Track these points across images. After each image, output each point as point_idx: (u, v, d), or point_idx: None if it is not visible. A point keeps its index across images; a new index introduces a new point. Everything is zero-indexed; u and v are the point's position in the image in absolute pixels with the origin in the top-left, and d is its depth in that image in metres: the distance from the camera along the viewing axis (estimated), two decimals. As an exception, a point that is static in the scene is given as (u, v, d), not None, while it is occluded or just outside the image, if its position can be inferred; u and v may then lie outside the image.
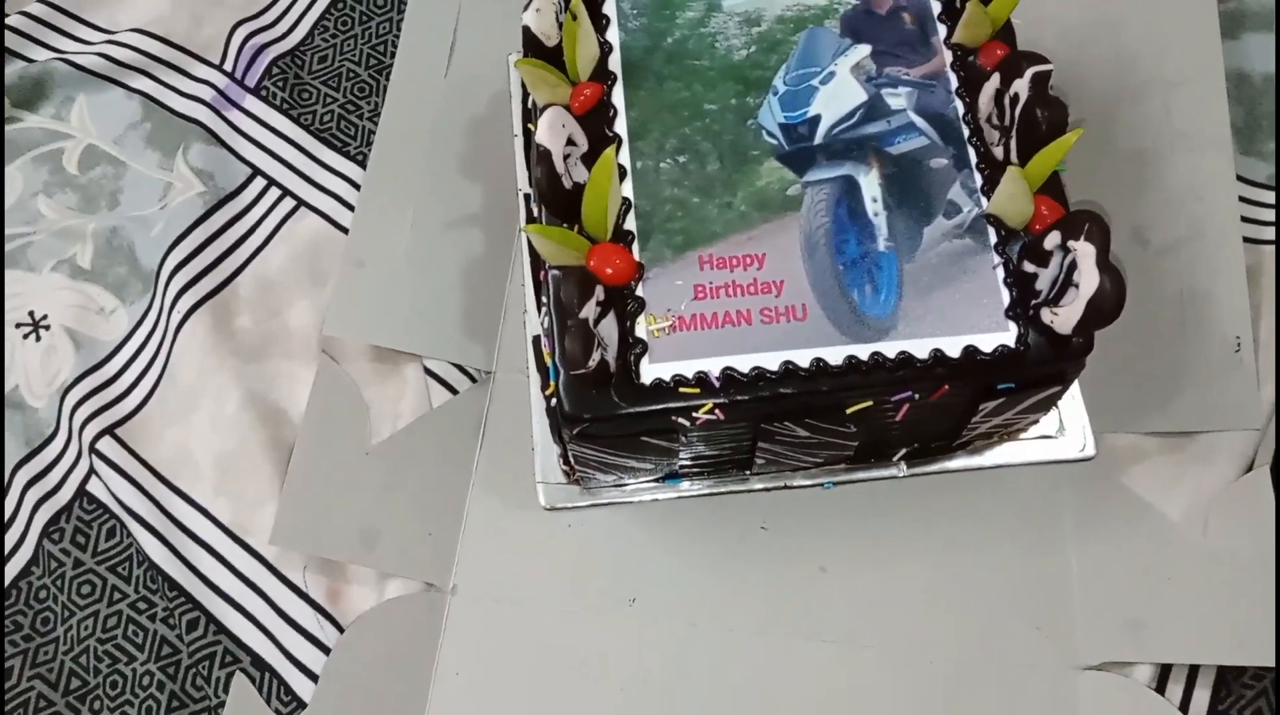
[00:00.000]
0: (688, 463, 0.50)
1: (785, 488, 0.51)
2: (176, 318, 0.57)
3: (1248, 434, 0.50)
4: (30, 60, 0.64)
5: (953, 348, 0.44)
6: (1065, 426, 0.52)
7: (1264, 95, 0.59)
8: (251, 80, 0.64)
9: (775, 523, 0.52)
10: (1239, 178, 0.56)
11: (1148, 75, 0.58)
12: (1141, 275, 0.55)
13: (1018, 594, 0.50)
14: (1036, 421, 0.51)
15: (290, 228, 0.60)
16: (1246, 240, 0.54)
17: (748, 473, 0.51)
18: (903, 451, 0.51)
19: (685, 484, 0.52)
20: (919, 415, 0.46)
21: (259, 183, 0.61)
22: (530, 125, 0.50)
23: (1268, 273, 0.54)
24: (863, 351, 0.43)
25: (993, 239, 0.45)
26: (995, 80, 0.47)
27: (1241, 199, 0.55)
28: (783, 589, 0.51)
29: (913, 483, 0.51)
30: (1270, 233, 0.56)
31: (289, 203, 0.61)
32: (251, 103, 0.63)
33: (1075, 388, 0.51)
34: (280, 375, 0.56)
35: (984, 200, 0.46)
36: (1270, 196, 0.57)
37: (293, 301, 0.58)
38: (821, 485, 0.51)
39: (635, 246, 0.45)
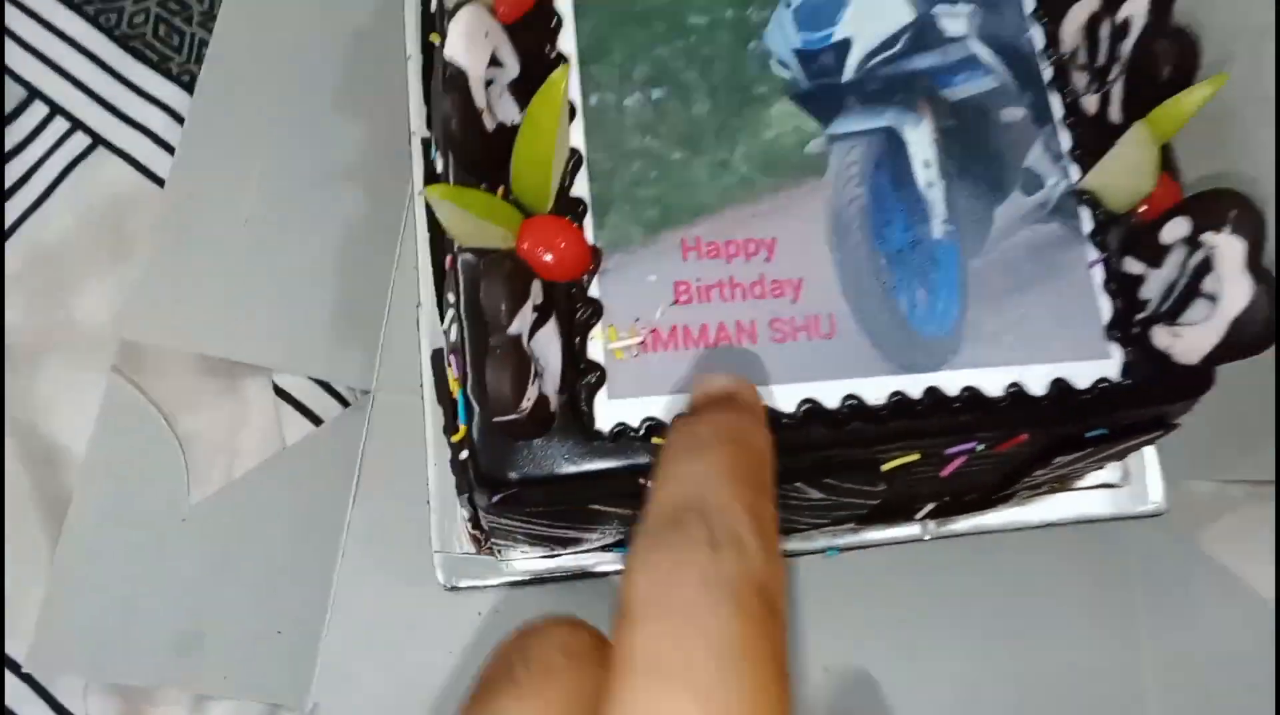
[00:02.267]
0: (649, 525, 0.36)
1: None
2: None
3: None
4: None
5: (1037, 382, 0.31)
6: (1130, 472, 0.40)
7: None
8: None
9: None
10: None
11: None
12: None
13: (1077, 694, 0.39)
14: (1101, 467, 0.39)
15: (83, 176, 0.44)
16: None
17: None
18: (930, 507, 0.38)
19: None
20: (971, 468, 0.33)
21: (39, 110, 0.45)
22: (435, 36, 0.35)
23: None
24: (914, 385, 0.31)
25: (1088, 226, 0.32)
26: (1091, 1, 0.34)
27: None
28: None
29: (941, 547, 0.39)
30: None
31: (82, 140, 0.45)
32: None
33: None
34: (60, 395, 0.41)
35: (1074, 169, 0.33)
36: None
37: (83, 285, 0.42)
38: (822, 553, 0.38)
39: (589, 222, 0.31)
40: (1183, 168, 0.34)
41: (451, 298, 0.32)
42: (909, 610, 0.39)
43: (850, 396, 0.30)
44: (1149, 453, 0.40)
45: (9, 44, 0.45)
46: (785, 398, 0.30)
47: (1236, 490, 0.41)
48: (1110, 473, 0.40)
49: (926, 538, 0.38)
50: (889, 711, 0.38)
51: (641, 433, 0.29)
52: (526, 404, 0.27)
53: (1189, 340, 0.31)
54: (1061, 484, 0.40)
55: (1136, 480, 0.40)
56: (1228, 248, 0.30)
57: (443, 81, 0.29)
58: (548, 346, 0.29)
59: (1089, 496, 0.40)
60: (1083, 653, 0.39)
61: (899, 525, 0.39)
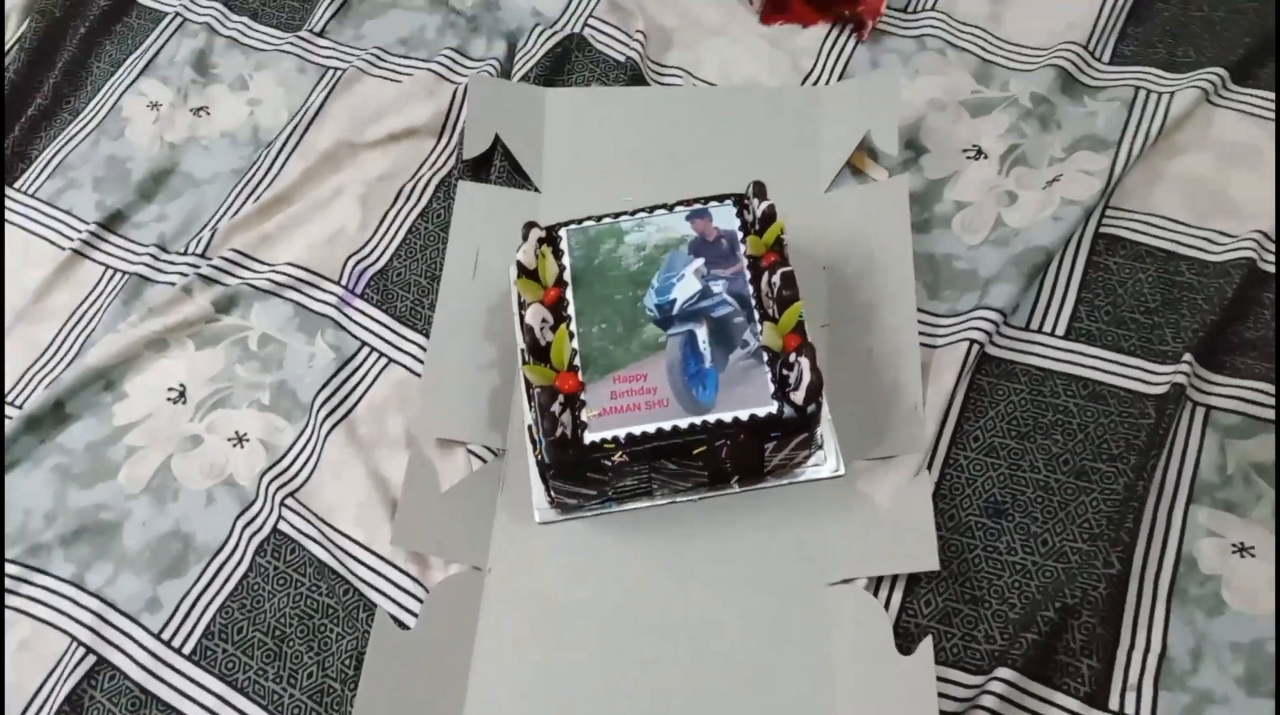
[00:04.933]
0: (616, 491, 0.87)
1: (673, 502, 0.86)
2: (324, 431, 0.93)
3: (918, 455, 0.88)
4: (226, 284, 1.04)
5: (745, 416, 0.81)
6: (828, 458, 0.89)
7: (943, 267, 0.99)
8: (358, 289, 1.01)
9: (668, 522, 0.86)
10: (927, 311, 0.96)
11: (874, 260, 0.98)
12: (870, 374, 0.92)
13: (800, 550, 0.85)
14: (810, 456, 0.88)
15: (386, 375, 0.95)
16: (924, 346, 0.93)
17: (652, 494, 0.88)
18: (736, 478, 0.88)
19: (615, 506, 0.88)
20: (734, 453, 0.83)
21: (365, 350, 0.97)
22: (522, 311, 0.89)
23: (934, 368, 0.92)
24: (698, 420, 0.80)
25: (766, 358, 0.84)
26: (768, 275, 0.87)
27: (924, 323, 0.95)
28: (671, 557, 0.85)
29: (743, 496, 0.86)
30: (940, 341, 0.94)
31: (384, 361, 0.96)
32: (359, 303, 1.00)
33: (833, 436, 0.88)
34: (385, 460, 0.91)
35: (762, 339, 0.85)
36: (941, 322, 0.96)
37: (390, 417, 0.94)
38: (692, 500, 0.87)
39: (580, 374, 0.82)
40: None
41: (532, 404, 0.85)
42: (729, 521, 0.85)
43: (675, 425, 0.81)
44: (835, 448, 0.87)
45: (353, 324, 1.00)
46: (651, 428, 0.81)
47: (873, 463, 0.89)
48: (819, 460, 0.89)
49: (735, 492, 0.87)
50: (718, 561, 0.85)
51: (600, 444, 0.81)
52: (558, 435, 0.80)
53: (797, 397, 0.81)
54: (796, 465, 0.89)
55: (830, 461, 0.88)
56: (804, 363, 0.81)
57: (523, 329, 0.84)
58: (567, 418, 0.82)
59: (810, 469, 0.87)
60: (804, 533, 0.84)
61: (724, 488, 0.88)
